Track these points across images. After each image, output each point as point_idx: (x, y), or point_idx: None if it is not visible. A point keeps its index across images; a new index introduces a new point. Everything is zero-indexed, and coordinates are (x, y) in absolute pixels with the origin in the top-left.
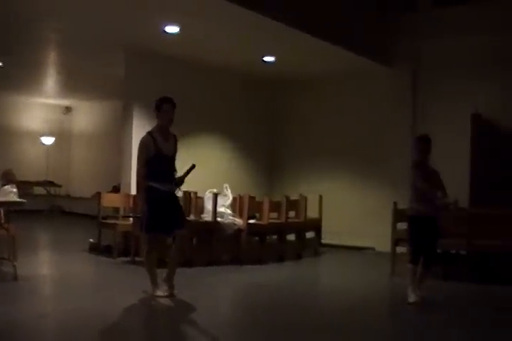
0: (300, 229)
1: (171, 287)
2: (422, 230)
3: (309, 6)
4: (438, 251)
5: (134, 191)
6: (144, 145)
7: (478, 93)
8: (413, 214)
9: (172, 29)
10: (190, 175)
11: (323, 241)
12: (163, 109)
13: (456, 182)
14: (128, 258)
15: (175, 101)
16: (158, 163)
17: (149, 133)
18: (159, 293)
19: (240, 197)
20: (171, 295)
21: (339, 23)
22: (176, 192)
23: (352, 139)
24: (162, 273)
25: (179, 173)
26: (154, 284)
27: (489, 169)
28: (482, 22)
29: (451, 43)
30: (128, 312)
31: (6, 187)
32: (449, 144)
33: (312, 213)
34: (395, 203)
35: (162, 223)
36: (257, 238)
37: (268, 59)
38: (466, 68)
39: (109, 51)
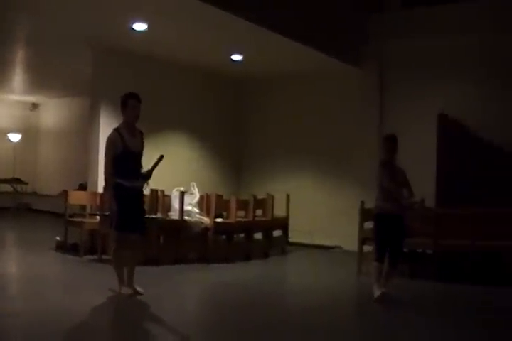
0: (267, 227)
1: (131, 285)
2: (387, 228)
3: (279, 5)
4: (404, 250)
5: (101, 189)
6: (111, 142)
7: (444, 93)
8: (379, 212)
9: (140, 26)
10: (158, 171)
11: (290, 239)
12: (129, 105)
13: (423, 181)
14: (95, 257)
15: (142, 98)
16: (125, 159)
17: (116, 129)
18: (126, 291)
19: (207, 196)
20: (137, 293)
21: (308, 23)
22: (144, 187)
23: (320, 139)
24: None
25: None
26: (121, 282)
27: (455, 169)
28: (448, 23)
29: (418, 44)
30: (95, 311)
31: None
32: (416, 144)
33: (279, 212)
34: (362, 202)
35: (131, 221)
36: (224, 236)
37: (236, 58)
38: (433, 68)
39: (77, 48)
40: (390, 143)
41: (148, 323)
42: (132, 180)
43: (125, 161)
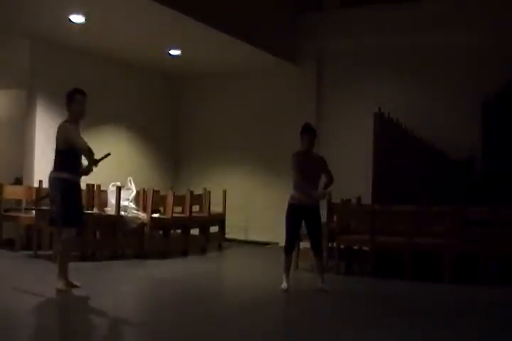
0: (204, 223)
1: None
2: (296, 219)
3: (218, 1)
4: (341, 246)
5: (37, 183)
6: (72, 130)
7: (381, 92)
8: (290, 202)
9: (77, 18)
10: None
11: (227, 236)
12: (76, 100)
13: (360, 179)
14: (30, 252)
15: None
16: (74, 153)
17: (68, 122)
18: (64, 286)
19: (144, 191)
20: (74, 287)
21: (246, 19)
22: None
23: (258, 135)
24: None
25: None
26: (65, 278)
27: (392, 167)
28: (386, 23)
29: (355, 43)
30: (30, 307)
31: None
32: (353, 142)
33: (216, 208)
34: None
35: (77, 217)
36: (160, 232)
37: (174, 52)
38: (370, 67)
39: (13, 39)
40: (307, 134)
41: (84, 320)
42: (76, 174)
43: (74, 155)
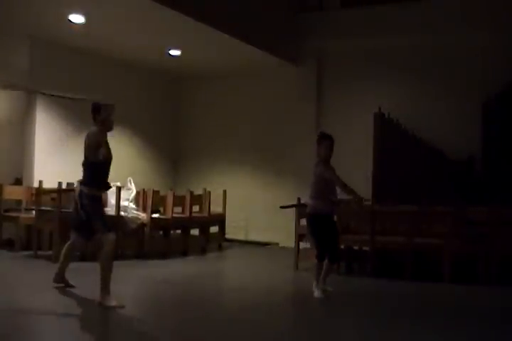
0: (204, 223)
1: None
2: (325, 228)
3: (219, 1)
4: (341, 246)
5: (36, 183)
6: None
7: (381, 92)
8: (315, 212)
9: (77, 18)
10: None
11: (227, 236)
12: (108, 112)
13: (360, 180)
14: (30, 252)
15: (79, 92)
16: (105, 167)
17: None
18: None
19: (144, 191)
20: (69, 286)
21: (246, 19)
22: None
23: (258, 135)
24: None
25: None
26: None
27: (392, 167)
28: (386, 24)
29: (356, 43)
30: (31, 308)
31: None
32: (353, 142)
33: (216, 208)
34: (299, 199)
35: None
36: (160, 232)
37: (174, 53)
38: (371, 68)
39: (13, 39)
40: (330, 140)
41: (84, 320)
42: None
43: (104, 169)
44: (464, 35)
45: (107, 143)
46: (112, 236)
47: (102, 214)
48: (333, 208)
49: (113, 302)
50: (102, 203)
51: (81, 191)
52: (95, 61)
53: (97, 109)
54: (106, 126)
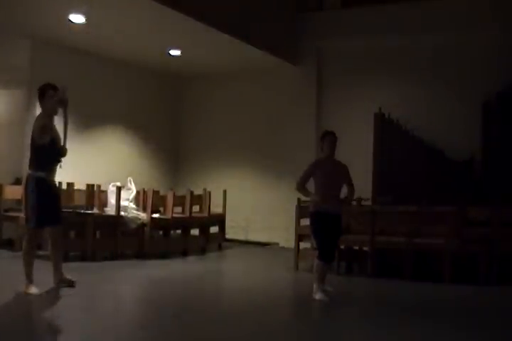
0: (204, 223)
1: (62, 275)
2: (322, 226)
3: (219, 1)
4: (341, 246)
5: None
6: (47, 127)
7: (381, 92)
8: (313, 209)
9: (77, 18)
10: (95, 166)
11: (227, 236)
12: (49, 95)
13: (360, 179)
14: None
15: (79, 92)
16: (51, 151)
17: (42, 117)
18: (34, 290)
19: (144, 191)
20: (70, 283)
21: (247, 19)
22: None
23: (257, 135)
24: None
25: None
26: (30, 281)
27: (392, 167)
28: (386, 24)
29: (356, 43)
30: (29, 307)
31: None
32: (353, 142)
33: (216, 208)
34: (299, 199)
35: (51, 214)
36: (160, 232)
37: (174, 53)
38: (371, 68)
39: (13, 39)
40: (333, 136)
41: (83, 320)
42: (51, 173)
43: (51, 153)
44: (464, 35)
45: (49, 128)
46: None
47: (39, 204)
48: (338, 207)
49: (32, 289)
50: (52, 192)
51: (28, 175)
52: (95, 61)
53: (40, 94)
54: (48, 110)
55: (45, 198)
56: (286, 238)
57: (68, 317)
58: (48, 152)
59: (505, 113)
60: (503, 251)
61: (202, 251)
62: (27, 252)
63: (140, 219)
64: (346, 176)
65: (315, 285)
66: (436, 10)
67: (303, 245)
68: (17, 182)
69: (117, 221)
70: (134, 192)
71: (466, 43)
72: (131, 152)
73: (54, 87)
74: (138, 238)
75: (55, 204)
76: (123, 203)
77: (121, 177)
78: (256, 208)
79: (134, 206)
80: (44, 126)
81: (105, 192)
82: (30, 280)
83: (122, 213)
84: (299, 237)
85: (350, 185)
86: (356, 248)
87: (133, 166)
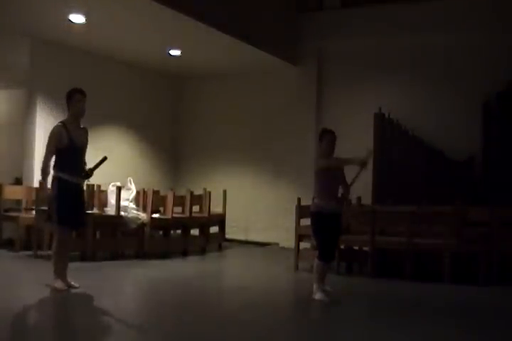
0: (204, 223)
1: (66, 279)
2: (328, 227)
3: (219, 1)
4: (341, 246)
5: (37, 183)
6: (54, 134)
7: (381, 92)
8: (316, 210)
9: (77, 18)
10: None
11: (227, 236)
12: (75, 99)
13: (360, 179)
14: (30, 252)
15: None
16: (70, 154)
17: (62, 122)
18: (62, 286)
19: (144, 191)
20: (71, 287)
21: (245, 19)
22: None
23: (257, 135)
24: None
25: (89, 166)
26: (60, 277)
27: (392, 167)
28: (386, 24)
29: (355, 43)
30: (31, 307)
31: None
32: (353, 142)
33: (216, 208)
34: (299, 199)
35: (71, 217)
36: (160, 232)
37: (174, 53)
38: (371, 68)
39: (13, 39)
40: (332, 135)
41: (83, 320)
42: (74, 175)
43: (69, 155)
44: (464, 35)
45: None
46: (57, 230)
47: (61, 203)
48: (338, 207)
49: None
50: (74, 193)
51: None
52: (95, 61)
53: (68, 97)
54: (75, 113)
55: (65, 198)
56: (286, 238)
57: (68, 317)
58: (66, 153)
59: (505, 113)
60: (503, 251)
61: (202, 251)
62: (55, 252)
63: (140, 219)
64: (342, 175)
65: (315, 285)
66: (436, 10)
67: (303, 245)
68: (17, 182)
69: (117, 221)
70: (134, 192)
71: (466, 43)
72: (131, 152)
73: (81, 92)
74: (138, 238)
75: (75, 205)
76: (123, 203)
77: (121, 177)
78: (256, 208)
79: (134, 206)
80: (50, 136)
81: (105, 192)
82: (58, 276)
83: (122, 213)
84: (299, 237)
85: (345, 183)
86: (356, 248)
87: (133, 166)
